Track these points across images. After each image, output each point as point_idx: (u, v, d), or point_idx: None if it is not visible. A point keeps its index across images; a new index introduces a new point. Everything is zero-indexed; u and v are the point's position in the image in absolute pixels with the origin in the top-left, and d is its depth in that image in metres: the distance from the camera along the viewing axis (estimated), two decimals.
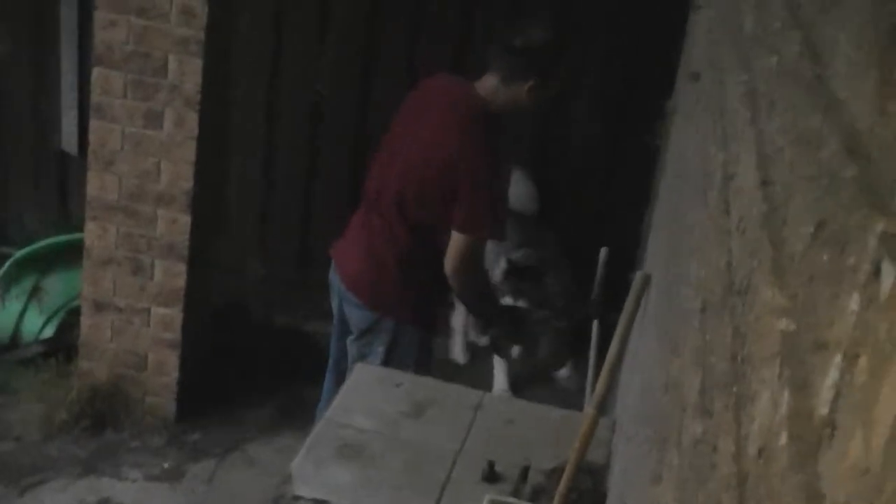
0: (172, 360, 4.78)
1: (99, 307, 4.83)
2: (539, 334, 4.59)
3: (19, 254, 5.29)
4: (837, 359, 0.68)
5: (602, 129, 5.44)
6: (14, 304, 5.25)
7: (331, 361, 4.34)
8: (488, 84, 3.83)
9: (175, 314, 4.74)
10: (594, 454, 2.91)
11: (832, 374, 0.69)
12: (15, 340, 5.26)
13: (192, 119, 4.49)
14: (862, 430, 0.61)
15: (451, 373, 4.14)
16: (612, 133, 5.38)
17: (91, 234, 4.74)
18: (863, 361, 0.64)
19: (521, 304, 4.73)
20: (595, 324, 4.12)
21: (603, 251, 4.08)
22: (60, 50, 5.61)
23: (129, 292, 4.77)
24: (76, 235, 5.03)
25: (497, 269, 5.02)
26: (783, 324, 0.84)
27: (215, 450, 4.70)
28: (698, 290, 1.58)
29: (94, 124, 4.62)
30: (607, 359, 2.83)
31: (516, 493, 3.01)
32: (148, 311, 4.77)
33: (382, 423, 3.36)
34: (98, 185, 4.66)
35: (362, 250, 4.02)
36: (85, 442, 4.69)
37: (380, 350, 4.00)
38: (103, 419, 4.76)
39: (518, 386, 4.84)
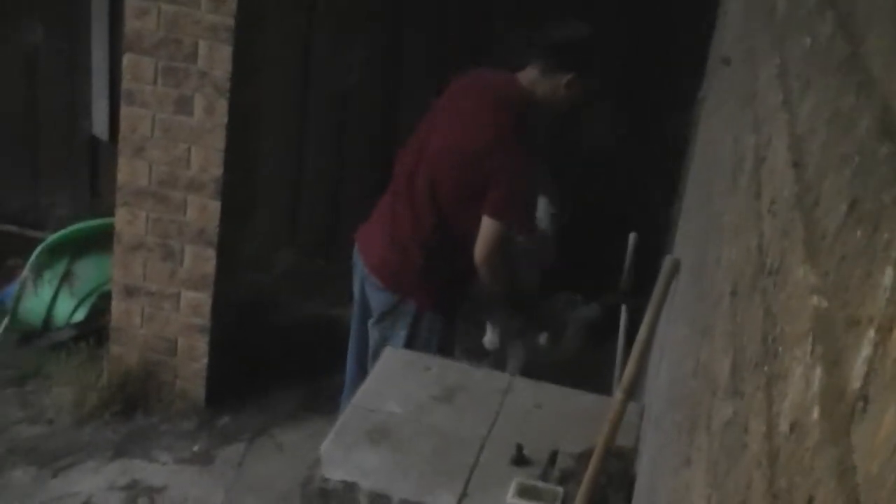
0: (202, 344, 4.82)
1: (129, 292, 4.87)
2: (566, 323, 4.57)
3: (51, 239, 5.33)
4: (871, 334, 0.69)
5: (630, 116, 5.42)
6: (46, 290, 5.29)
7: (351, 345, 4.38)
8: (529, 75, 3.89)
9: (204, 299, 4.78)
10: (623, 439, 2.91)
11: (865, 350, 0.69)
12: (47, 325, 5.31)
13: (222, 106, 4.51)
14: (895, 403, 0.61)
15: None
16: (641, 120, 5.35)
17: (122, 219, 4.78)
18: None
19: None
20: (623, 309, 4.12)
21: (632, 237, 4.08)
22: (91, 36, 5.64)
23: (160, 277, 4.80)
24: (107, 221, 5.06)
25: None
26: (816, 301, 0.85)
27: (244, 434, 4.74)
28: (728, 272, 1.58)
29: (124, 110, 4.65)
30: (636, 343, 2.83)
31: (545, 477, 3.02)
32: (178, 296, 4.80)
33: (411, 407, 3.37)
34: (129, 171, 4.70)
35: (387, 235, 4.06)
36: (116, 426, 4.73)
37: (402, 334, 4.05)
38: (134, 403, 4.80)
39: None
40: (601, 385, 3.97)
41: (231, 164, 4.61)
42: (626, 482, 2.94)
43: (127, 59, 4.55)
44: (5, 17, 5.80)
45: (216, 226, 4.67)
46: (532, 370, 3.80)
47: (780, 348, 0.98)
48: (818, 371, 0.79)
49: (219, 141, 4.55)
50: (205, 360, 4.84)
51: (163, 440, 4.69)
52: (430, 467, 3.06)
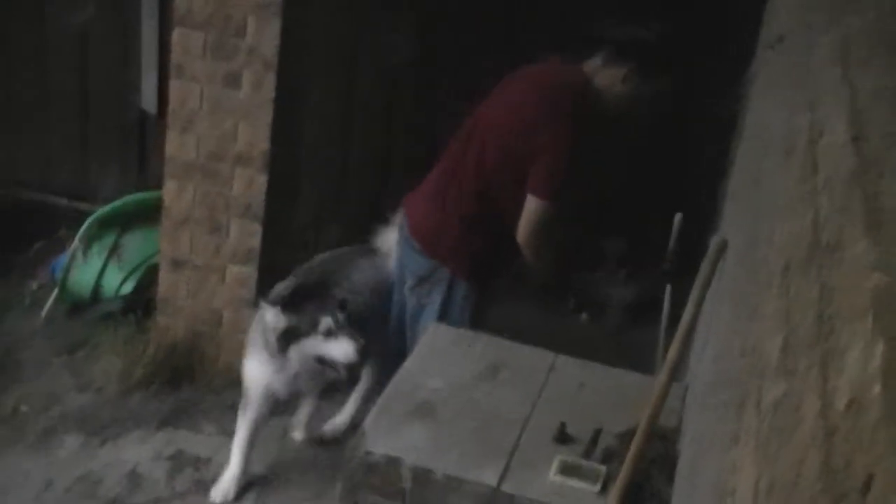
0: (248, 318, 4.82)
1: (176, 265, 4.91)
2: (607, 303, 4.55)
3: (100, 212, 5.37)
4: None
5: (678, 96, 5.37)
6: (95, 261, 5.33)
7: (393, 309, 4.43)
8: (592, 64, 3.95)
9: (250, 273, 4.80)
10: (665, 419, 2.89)
11: None
12: (95, 296, 5.36)
13: (270, 81, 4.52)
14: None
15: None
16: (689, 100, 5.30)
17: (169, 193, 4.81)
18: None
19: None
20: (668, 289, 4.10)
21: (677, 217, 4.05)
22: (141, 11, 5.67)
23: (206, 251, 4.84)
24: (155, 194, 5.10)
25: None
26: (876, 277, 0.83)
27: (288, 407, 4.76)
28: (780, 251, 1.56)
29: (173, 85, 4.67)
30: (681, 324, 2.81)
31: (587, 456, 3.01)
32: (224, 269, 4.84)
33: (456, 383, 3.37)
34: (177, 145, 4.72)
35: (431, 202, 4.13)
36: (162, 396, 4.78)
37: (437, 300, 4.11)
38: (180, 374, 4.85)
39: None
40: (644, 365, 3.95)
41: (278, 139, 4.62)
42: (669, 462, 2.92)
43: (176, 34, 4.57)
44: None
45: (262, 200, 4.69)
46: (575, 349, 3.78)
47: (837, 324, 0.97)
48: (880, 346, 0.77)
49: (266, 116, 4.56)
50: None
51: (208, 411, 4.73)
52: (473, 443, 3.06)
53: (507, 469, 2.94)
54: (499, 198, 4.00)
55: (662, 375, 2.74)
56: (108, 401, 4.72)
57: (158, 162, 5.08)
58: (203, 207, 4.77)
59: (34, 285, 5.58)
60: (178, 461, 4.41)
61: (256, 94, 4.54)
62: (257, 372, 4.17)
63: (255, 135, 4.59)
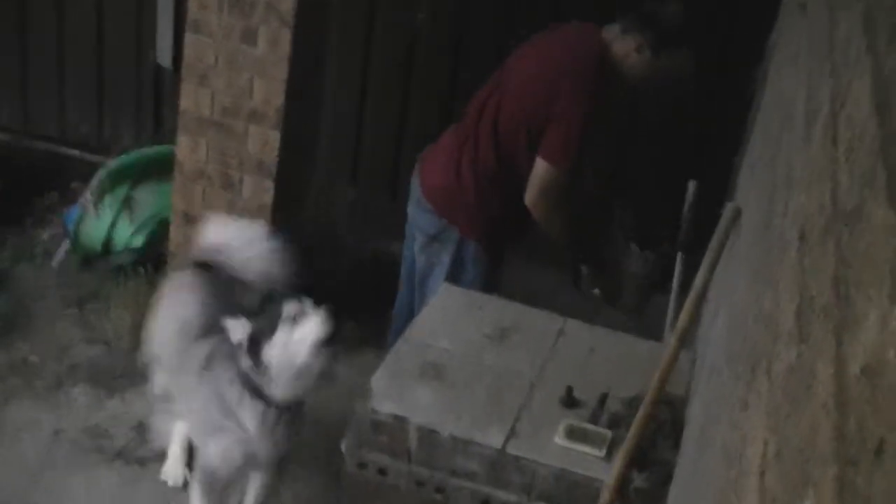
0: None
1: (188, 220, 4.91)
2: (622, 279, 4.53)
3: (112, 164, 5.38)
4: None
5: (696, 63, 5.34)
6: (106, 214, 5.34)
7: (403, 269, 4.45)
8: (612, 31, 3.94)
9: None
10: (674, 386, 2.91)
11: None
12: (106, 249, 5.36)
13: (286, 38, 4.51)
14: None
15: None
16: (707, 68, 5.27)
17: (183, 147, 4.81)
18: None
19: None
20: (679, 256, 4.10)
21: (692, 184, 4.04)
22: None
23: (218, 206, 4.83)
24: (168, 148, 5.11)
25: None
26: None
27: None
28: (797, 220, 1.56)
29: (189, 39, 4.66)
30: (692, 290, 2.82)
31: (594, 420, 3.03)
32: None
33: (465, 344, 3.40)
34: (192, 100, 4.71)
35: (446, 160, 4.13)
36: None
37: (446, 260, 4.12)
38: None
39: None
40: (653, 333, 3.96)
41: (293, 97, 4.61)
42: (676, 429, 2.94)
43: None
44: None
45: (276, 157, 4.68)
46: (586, 315, 3.79)
47: (854, 291, 0.97)
48: None
49: (282, 73, 4.55)
50: None
51: None
52: (480, 405, 3.09)
53: (513, 431, 2.97)
54: (514, 159, 4.00)
55: (672, 341, 2.75)
56: (117, 353, 4.74)
57: (172, 116, 5.09)
58: (216, 163, 4.77)
59: (46, 236, 5.60)
60: None
61: (272, 50, 4.53)
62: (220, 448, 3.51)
63: (270, 91, 4.59)
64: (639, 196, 5.56)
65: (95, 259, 5.33)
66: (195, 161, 4.80)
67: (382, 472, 3.01)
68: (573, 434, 2.95)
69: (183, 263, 3.80)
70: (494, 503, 2.92)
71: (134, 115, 6.11)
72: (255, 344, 3.33)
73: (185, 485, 3.88)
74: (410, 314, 4.19)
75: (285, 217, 4.87)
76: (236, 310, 3.54)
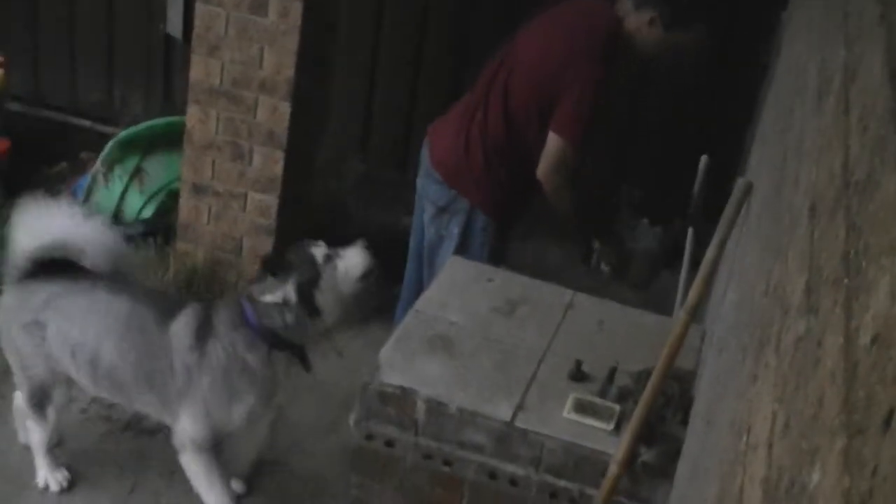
0: (267, 246, 4.86)
1: (198, 190, 4.92)
2: (631, 254, 4.52)
3: (123, 134, 5.37)
4: None
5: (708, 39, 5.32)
6: (116, 184, 5.35)
7: (412, 243, 4.46)
8: (625, 6, 3.92)
9: (271, 201, 4.81)
10: (683, 361, 2.90)
11: None
12: (116, 219, 5.36)
13: (297, 9, 4.50)
14: None
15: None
16: (719, 42, 5.24)
17: (193, 118, 4.81)
18: None
19: None
20: (690, 231, 4.08)
21: (703, 159, 4.02)
22: None
23: (228, 177, 4.84)
24: (178, 119, 5.10)
25: None
26: None
27: None
28: (807, 192, 1.55)
29: (200, 9, 4.64)
30: (703, 264, 2.80)
31: (602, 394, 3.03)
32: (245, 196, 4.85)
33: (473, 317, 3.39)
34: (202, 70, 4.71)
35: (455, 131, 4.11)
36: None
37: (455, 232, 4.12)
38: (199, 300, 4.86)
39: None
40: (663, 307, 3.95)
41: (304, 68, 4.60)
42: (684, 404, 2.93)
43: None
44: None
45: (286, 128, 4.68)
46: (595, 290, 3.78)
47: (864, 262, 0.96)
48: None
49: (292, 43, 4.54)
50: None
51: None
52: (488, 378, 3.09)
53: (521, 404, 2.97)
54: (523, 131, 3.99)
55: (682, 315, 2.74)
56: None
57: (183, 87, 5.08)
58: (226, 133, 4.77)
59: None
60: None
61: (283, 20, 4.51)
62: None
63: (280, 62, 4.58)
64: (649, 171, 5.55)
65: None
66: (205, 132, 4.79)
67: (390, 444, 3.00)
68: (581, 408, 2.95)
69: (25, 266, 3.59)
70: (502, 476, 2.91)
71: (144, 85, 6.11)
72: (305, 295, 3.41)
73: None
74: (419, 287, 4.19)
75: (295, 189, 4.87)
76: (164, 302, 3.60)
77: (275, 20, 4.52)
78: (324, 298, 3.43)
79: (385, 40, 5.73)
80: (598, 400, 3.00)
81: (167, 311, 3.51)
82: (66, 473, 3.85)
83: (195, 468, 3.56)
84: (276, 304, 3.40)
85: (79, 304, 3.55)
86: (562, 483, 2.86)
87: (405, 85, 5.80)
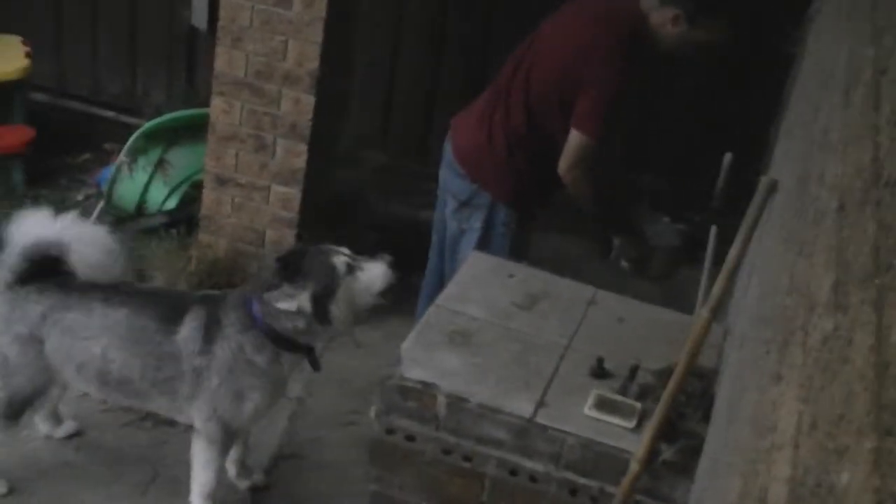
0: (289, 238, 4.86)
1: (221, 182, 4.92)
2: (651, 251, 4.49)
3: (147, 126, 5.38)
4: None
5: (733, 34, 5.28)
6: (141, 175, 5.36)
7: (434, 235, 4.44)
8: (650, 1, 3.89)
9: (294, 193, 4.81)
10: (704, 358, 2.87)
11: None
12: (140, 210, 5.40)
13: (322, 0, 4.48)
14: None
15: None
16: (743, 37, 5.20)
17: (216, 109, 4.81)
18: None
19: None
20: (713, 230, 4.05)
21: (727, 157, 3.99)
22: None
23: (251, 169, 4.84)
24: (202, 110, 5.10)
25: None
26: None
27: None
28: (834, 188, 1.52)
29: (224, 0, 4.64)
30: (727, 262, 2.77)
31: (624, 391, 3.01)
32: (268, 188, 4.85)
33: (494, 312, 3.37)
34: (226, 61, 4.70)
35: (478, 124, 4.10)
36: None
37: (477, 226, 4.11)
38: (204, 293, 4.85)
39: None
40: (684, 306, 3.92)
41: (327, 59, 4.59)
42: (706, 402, 2.90)
43: None
44: None
45: (309, 120, 4.67)
46: (615, 286, 3.75)
47: (895, 260, 0.94)
48: None
49: (316, 35, 4.53)
50: None
51: None
52: (509, 373, 3.07)
53: (542, 401, 2.95)
54: (546, 123, 3.97)
55: (704, 313, 2.71)
56: None
57: (206, 79, 5.08)
58: (249, 125, 4.77)
59: (80, 196, 5.62)
60: None
61: (307, 12, 4.51)
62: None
63: (304, 54, 4.57)
64: (671, 167, 5.52)
65: (129, 220, 5.35)
66: (228, 123, 4.79)
67: (410, 438, 2.99)
68: (603, 405, 2.93)
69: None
70: (522, 472, 2.90)
71: (167, 76, 6.12)
72: (320, 306, 3.36)
73: None
74: (440, 281, 4.18)
75: (316, 181, 4.86)
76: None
77: (299, 11, 4.51)
78: (338, 309, 3.39)
79: (406, 30, 5.72)
80: (619, 397, 2.98)
81: (170, 316, 3.45)
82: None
83: (201, 454, 3.56)
84: (284, 311, 3.37)
85: (79, 320, 3.47)
86: (582, 480, 2.84)
87: (426, 75, 5.78)
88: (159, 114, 5.54)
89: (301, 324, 3.38)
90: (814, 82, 2.68)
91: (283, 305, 3.36)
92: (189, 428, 3.57)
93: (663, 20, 3.86)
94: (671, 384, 2.70)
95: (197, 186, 5.18)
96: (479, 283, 3.55)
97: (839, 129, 1.66)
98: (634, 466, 2.65)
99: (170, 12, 5.93)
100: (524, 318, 3.37)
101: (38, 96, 6.05)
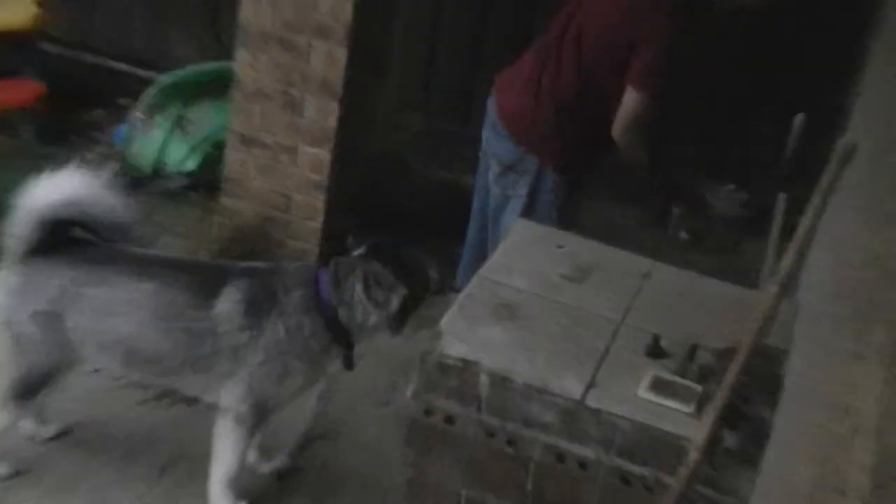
0: (319, 203, 4.87)
1: (246, 142, 4.93)
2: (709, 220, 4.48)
3: (166, 80, 5.39)
4: None
5: None
6: (158, 133, 5.37)
7: (475, 203, 4.47)
8: None
9: (324, 155, 4.80)
10: (772, 337, 2.85)
11: None
12: (157, 171, 5.40)
13: None
14: None
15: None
16: None
17: (242, 63, 4.81)
18: None
19: None
20: (780, 197, 4.03)
21: (798, 118, 3.96)
22: None
23: (279, 128, 4.84)
24: (226, 65, 5.09)
25: None
26: None
27: None
28: None
29: None
30: (798, 233, 2.75)
31: (682, 373, 2.99)
32: (296, 149, 4.84)
33: (541, 285, 3.38)
34: (252, 11, 4.70)
35: (524, 84, 4.12)
36: None
37: (522, 192, 4.14)
38: (246, 260, 4.87)
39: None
40: (746, 278, 3.90)
41: (363, 10, 4.57)
42: (772, 385, 2.88)
43: None
44: None
45: (342, 76, 4.66)
46: (671, 258, 3.74)
47: None
48: None
49: None
50: (321, 220, 4.89)
51: None
52: (557, 350, 3.07)
53: (592, 381, 2.95)
54: (596, 85, 3.99)
55: (773, 288, 2.69)
56: None
57: (231, 31, 5.07)
58: (277, 81, 4.76)
59: (93, 155, 5.64)
60: None
61: None
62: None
63: (338, 4, 4.55)
64: (735, 130, 5.47)
65: (146, 182, 5.35)
66: (255, 79, 4.79)
67: (450, 420, 3.00)
68: (659, 386, 2.92)
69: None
70: (570, 458, 2.90)
71: (189, 27, 6.12)
72: (404, 313, 3.38)
73: None
74: (482, 249, 4.20)
75: (350, 143, 4.86)
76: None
77: None
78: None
79: None
80: (677, 379, 2.96)
81: (205, 289, 3.41)
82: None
83: (226, 437, 3.53)
84: (368, 303, 3.35)
85: (103, 294, 3.44)
86: (635, 468, 2.83)
87: (470, 33, 5.76)
88: (180, 67, 5.54)
89: (372, 320, 3.36)
90: None
91: (376, 297, 3.33)
92: (212, 407, 3.57)
93: None
94: (735, 365, 2.68)
95: (219, 146, 5.17)
96: (525, 254, 3.56)
97: None
98: (694, 455, 2.64)
99: None
100: (574, 292, 3.37)
101: (53, 48, 6.06)
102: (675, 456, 2.73)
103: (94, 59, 6.20)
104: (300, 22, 4.63)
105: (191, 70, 5.45)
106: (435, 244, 4.85)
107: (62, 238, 3.44)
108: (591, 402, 2.87)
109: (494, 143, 4.21)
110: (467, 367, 2.98)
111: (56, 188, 3.42)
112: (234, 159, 4.99)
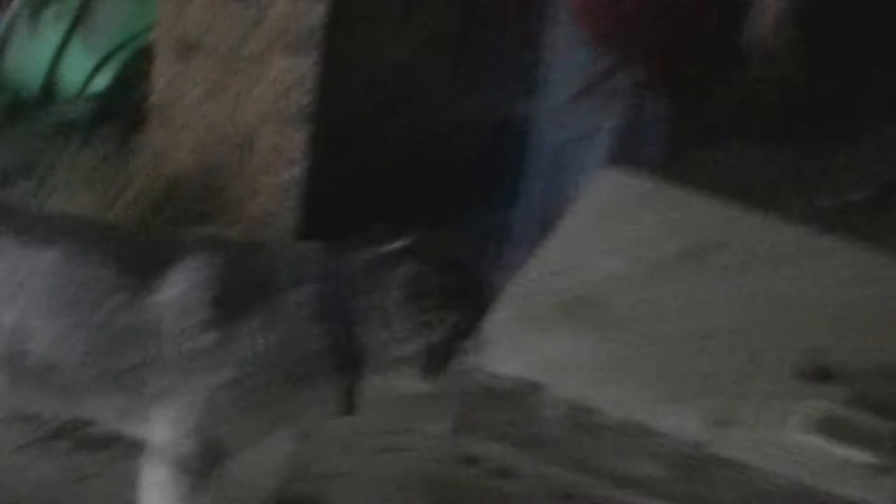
0: (297, 142, 4.86)
1: (182, 51, 4.92)
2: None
3: None
4: None
5: None
6: (50, 34, 5.36)
7: (533, 143, 4.52)
8: None
9: (304, 69, 4.77)
10: None
11: None
12: (48, 93, 5.39)
13: None
14: None
15: None
16: None
17: None
18: None
19: None
20: None
21: None
22: None
23: (233, 28, 4.83)
24: None
25: None
26: None
27: None
28: None
29: None
30: None
31: (860, 404, 2.95)
32: (261, 60, 4.82)
33: (639, 268, 3.37)
34: None
35: None
36: None
37: (606, 126, 4.22)
38: (184, 225, 4.86)
39: None
40: None
41: None
42: None
43: None
44: None
45: None
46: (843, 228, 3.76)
47: None
48: None
49: None
50: (298, 168, 4.87)
51: None
52: (664, 369, 3.06)
53: (719, 416, 2.91)
54: None
55: None
56: None
57: None
58: None
59: None
60: None
61: None
62: None
63: None
64: None
65: (31, 107, 5.38)
66: None
67: (505, 473, 2.99)
68: (825, 426, 2.89)
69: None
70: None
71: None
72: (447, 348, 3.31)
73: None
74: (542, 217, 4.20)
75: (343, 50, 4.83)
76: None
77: None
78: None
79: None
80: (853, 413, 2.92)
81: (145, 264, 3.33)
82: None
83: (160, 494, 3.45)
84: (409, 321, 3.26)
85: None
86: None
87: None
88: None
89: (407, 350, 3.25)
90: None
91: (424, 315, 3.24)
92: (137, 447, 3.53)
93: None
94: None
95: (141, 57, 5.20)
96: (611, 221, 3.58)
97: None
98: None
99: None
100: (689, 278, 3.37)
101: None
102: None
103: None
104: None
105: None
106: (470, 204, 4.87)
107: None
108: (720, 448, 2.86)
109: (562, 51, 4.25)
110: (528, 393, 2.95)
111: None
112: (167, 76, 5.00)
